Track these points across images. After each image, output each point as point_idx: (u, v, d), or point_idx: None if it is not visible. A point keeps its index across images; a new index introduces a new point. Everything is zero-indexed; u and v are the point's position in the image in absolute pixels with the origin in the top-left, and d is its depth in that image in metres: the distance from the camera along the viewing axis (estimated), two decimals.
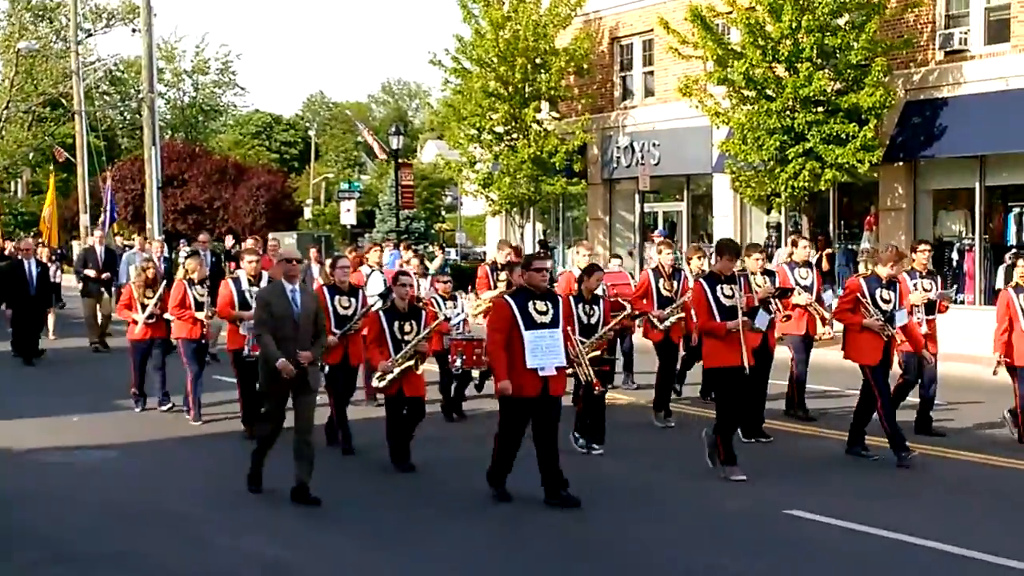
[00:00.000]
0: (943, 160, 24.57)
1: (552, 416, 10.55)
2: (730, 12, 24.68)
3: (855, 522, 10.00)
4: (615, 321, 12.54)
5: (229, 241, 30.51)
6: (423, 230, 52.77)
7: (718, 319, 11.62)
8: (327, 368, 13.10)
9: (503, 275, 16.02)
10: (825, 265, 23.86)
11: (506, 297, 10.79)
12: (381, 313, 12.27)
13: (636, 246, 30.53)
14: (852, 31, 23.42)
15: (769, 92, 23.91)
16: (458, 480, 11.76)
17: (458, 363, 14.45)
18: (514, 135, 31.64)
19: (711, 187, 29.58)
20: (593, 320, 12.42)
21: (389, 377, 11.91)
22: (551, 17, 31.06)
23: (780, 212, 27.05)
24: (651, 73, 31.27)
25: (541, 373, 10.31)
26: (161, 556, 9.34)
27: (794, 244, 16.07)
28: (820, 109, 23.65)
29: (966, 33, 24.11)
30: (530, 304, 10.42)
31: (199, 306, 15.08)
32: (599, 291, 12.72)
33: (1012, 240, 23.61)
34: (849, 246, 26.73)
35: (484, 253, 34.64)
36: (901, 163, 24.92)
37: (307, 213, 61.36)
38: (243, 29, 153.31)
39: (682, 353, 16.09)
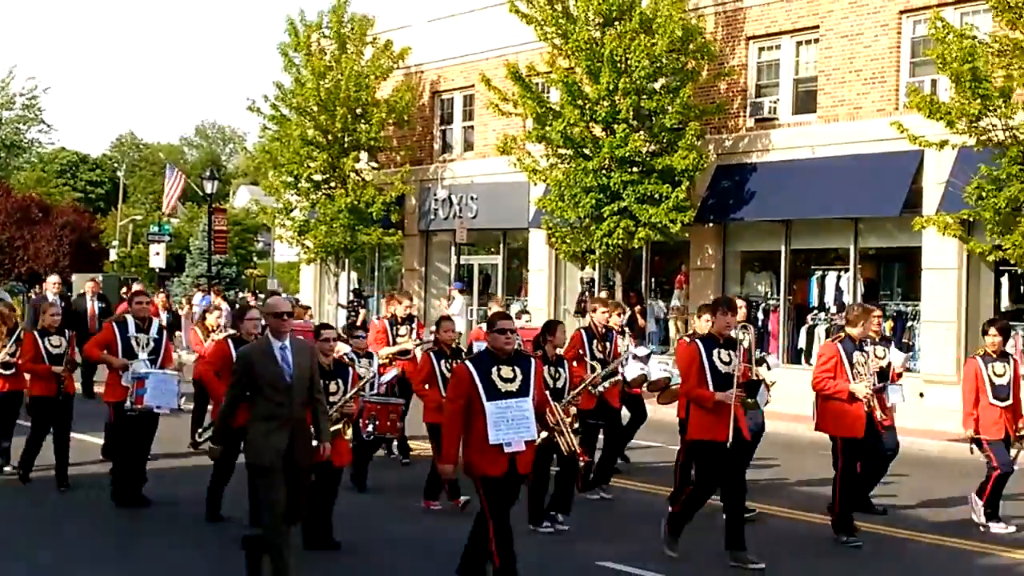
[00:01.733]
0: (751, 223, 25.08)
1: (513, 498, 9.29)
2: (549, 72, 24.99)
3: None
4: (584, 383, 11.86)
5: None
6: (234, 275, 51.98)
7: (711, 387, 10.57)
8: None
9: (403, 329, 15.67)
10: (641, 322, 24.21)
11: (466, 362, 9.46)
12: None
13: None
14: (667, 95, 23.85)
15: (586, 151, 24.15)
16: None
17: (370, 428, 13.05)
18: (332, 184, 31.45)
19: (527, 241, 29.71)
20: (559, 384, 11.47)
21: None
22: (372, 69, 31.11)
23: (594, 268, 27.25)
24: (471, 127, 31.42)
25: (507, 449, 9.00)
26: None
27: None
28: (635, 169, 23.96)
29: (775, 102, 24.89)
30: (494, 370, 9.08)
31: (54, 359, 13.43)
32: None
33: (814, 302, 24.29)
34: (659, 302, 27.16)
35: (298, 300, 34.15)
36: (711, 224, 25.37)
37: (113, 255, 59.69)
38: (52, 63, 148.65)
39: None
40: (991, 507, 12.20)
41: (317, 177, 31.60)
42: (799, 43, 24.62)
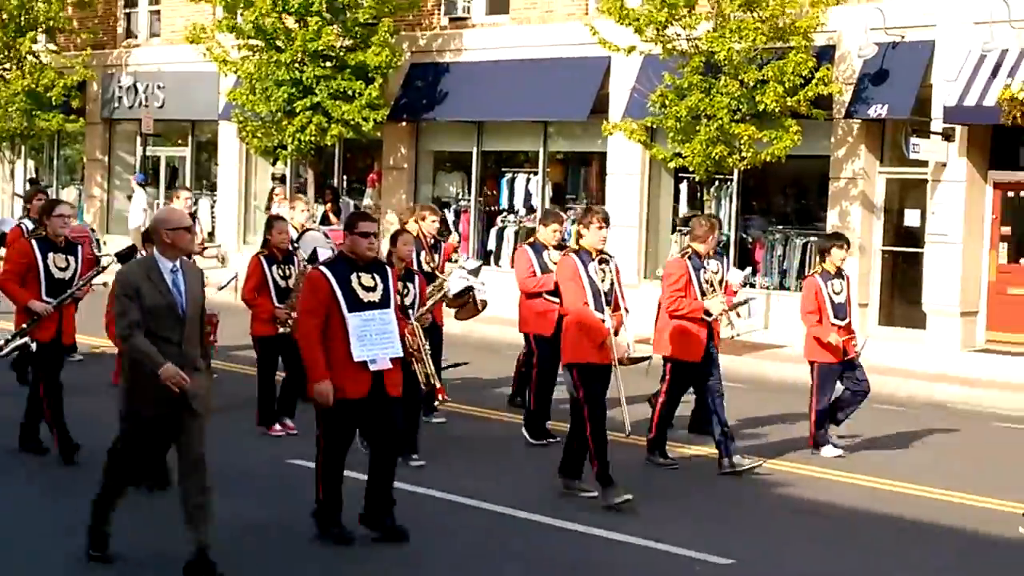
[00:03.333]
0: (444, 124, 25.11)
1: (389, 422, 8.31)
2: None
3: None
4: (433, 300, 11.08)
5: None
6: None
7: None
8: None
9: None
10: (335, 220, 23.92)
11: (321, 268, 8.37)
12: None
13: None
14: None
15: (279, 43, 23.54)
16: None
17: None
18: (7, 66, 29.68)
19: (216, 134, 28.92)
20: (408, 300, 10.25)
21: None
22: None
23: (286, 164, 26.88)
24: (157, 13, 30.18)
25: (372, 367, 8.10)
26: None
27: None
28: (328, 64, 23.59)
29: (469, 2, 24.78)
30: (353, 277, 8.14)
31: None
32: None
33: (504, 204, 24.59)
34: (353, 202, 26.93)
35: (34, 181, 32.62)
36: (405, 123, 25.27)
37: None
38: None
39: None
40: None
41: None
42: None
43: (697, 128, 19.35)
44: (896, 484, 10.97)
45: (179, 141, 30.70)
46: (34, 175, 32.87)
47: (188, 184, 29.16)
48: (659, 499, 10.04)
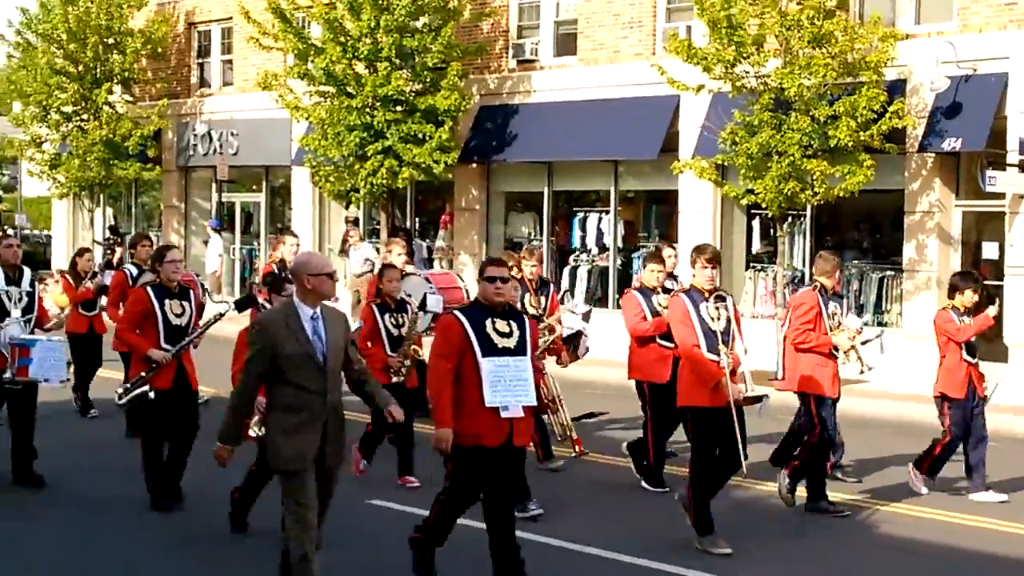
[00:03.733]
0: (514, 164, 25.20)
1: (514, 474, 8.19)
2: (310, 7, 24.46)
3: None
4: (546, 343, 10.95)
5: None
6: None
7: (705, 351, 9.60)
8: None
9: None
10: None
11: (455, 313, 8.22)
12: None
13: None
14: (429, 34, 23.65)
15: (349, 89, 23.81)
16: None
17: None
18: (84, 116, 30.36)
19: (290, 179, 29.28)
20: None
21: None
22: None
23: (359, 207, 27.13)
24: (230, 62, 30.65)
25: (504, 414, 7.87)
26: None
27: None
28: (399, 108, 23.75)
29: (536, 44, 24.95)
30: (488, 323, 7.96)
31: None
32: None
33: (576, 243, 24.61)
34: (426, 243, 27.04)
35: (47, 236, 33.08)
36: (475, 165, 25.41)
37: None
38: None
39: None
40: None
41: (68, 109, 30.49)
42: None
43: (768, 164, 19.26)
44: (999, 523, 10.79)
45: (253, 187, 31.09)
46: (113, 222, 33.40)
47: (263, 227, 29.58)
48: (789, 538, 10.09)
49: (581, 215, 24.82)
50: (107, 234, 31.37)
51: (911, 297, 19.97)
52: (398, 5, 23.19)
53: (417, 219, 27.36)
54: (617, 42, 23.53)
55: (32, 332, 10.95)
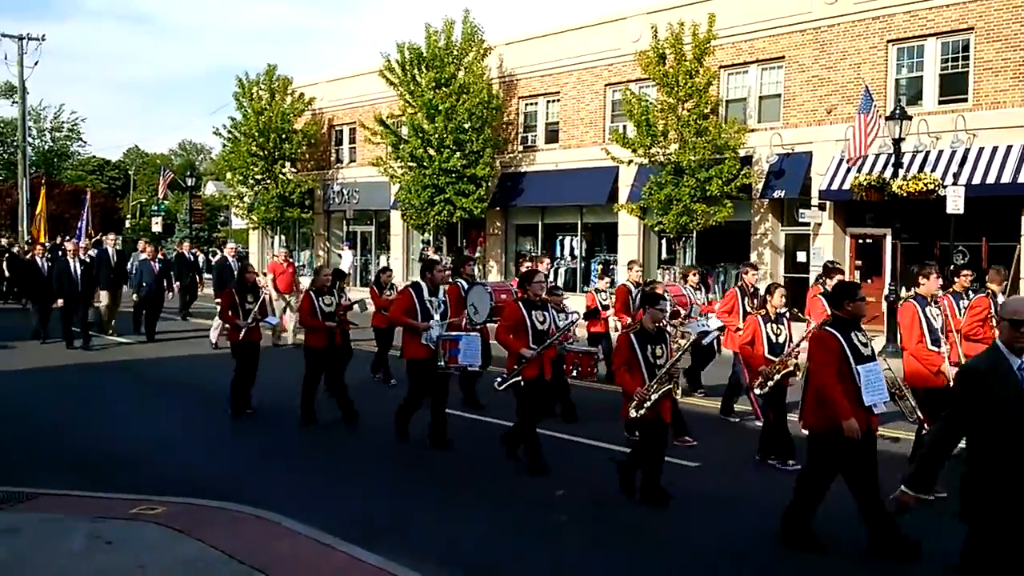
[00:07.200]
0: (522, 208, 25.13)
1: (874, 454, 6.06)
2: (402, 116, 24.84)
3: None
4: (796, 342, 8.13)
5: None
6: (206, 237, 49.96)
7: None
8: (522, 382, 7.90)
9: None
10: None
11: (828, 328, 6.06)
12: (633, 337, 7.11)
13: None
14: (474, 132, 23.76)
15: (424, 164, 24.02)
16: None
17: (574, 373, 9.36)
18: (267, 180, 30.51)
19: (389, 218, 29.32)
20: (780, 339, 8.16)
21: (648, 404, 6.90)
22: (291, 110, 30.21)
23: (431, 234, 27.07)
24: (354, 147, 30.71)
25: (876, 411, 6.01)
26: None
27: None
28: (454, 175, 23.90)
29: (535, 137, 25.07)
30: (853, 335, 6.03)
31: (327, 316, 9.80)
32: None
33: (558, 254, 24.39)
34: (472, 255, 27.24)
35: (247, 253, 33.18)
36: (498, 209, 25.47)
37: (127, 223, 56.76)
38: (86, 101, 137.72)
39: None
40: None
41: (258, 176, 30.59)
42: (548, 101, 24.85)
43: (670, 207, 19.40)
44: None
45: (367, 223, 31.10)
46: (285, 245, 33.54)
47: (373, 249, 29.72)
48: None
49: (560, 237, 24.83)
50: (282, 251, 31.45)
51: (757, 283, 20.05)
52: (458, 115, 23.42)
53: (463, 240, 27.59)
54: (582, 135, 23.67)
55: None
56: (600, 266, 23.18)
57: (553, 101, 24.67)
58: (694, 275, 11.52)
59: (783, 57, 19.77)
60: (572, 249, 24.32)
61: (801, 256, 19.82)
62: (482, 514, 6.88)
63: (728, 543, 6.21)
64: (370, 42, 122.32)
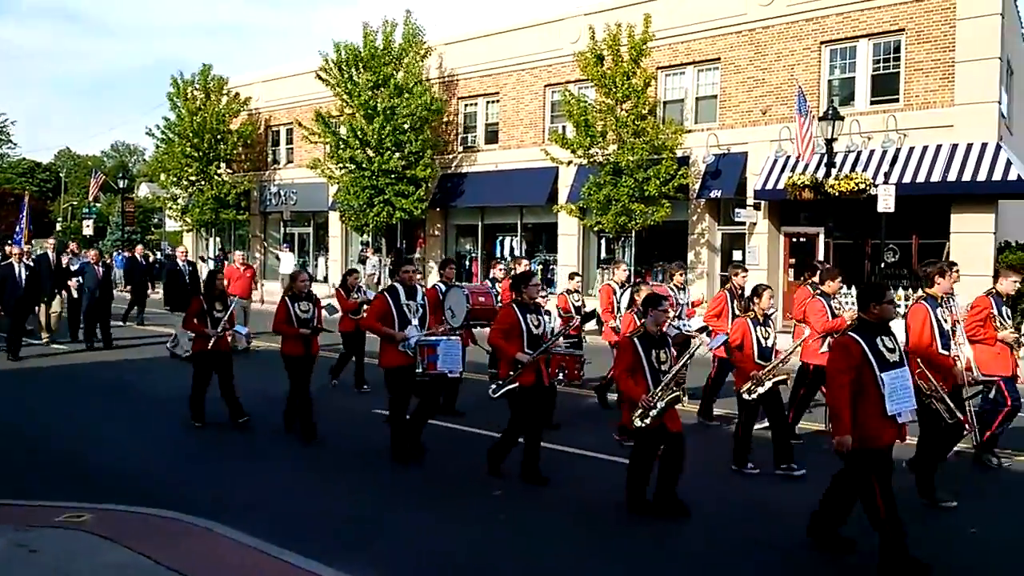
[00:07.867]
0: (462, 208, 24.96)
1: (890, 468, 5.65)
2: (340, 116, 24.46)
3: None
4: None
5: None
6: (139, 239, 48.70)
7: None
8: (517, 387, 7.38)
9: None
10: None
11: (850, 333, 5.64)
12: (636, 341, 6.66)
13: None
14: (412, 132, 23.50)
15: (363, 165, 23.69)
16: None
17: (560, 376, 8.73)
18: (202, 182, 29.83)
19: (327, 219, 28.96)
20: (769, 342, 7.89)
21: (654, 413, 6.45)
22: (227, 110, 29.59)
23: (370, 236, 26.78)
24: (292, 148, 30.20)
25: (900, 419, 5.55)
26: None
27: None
28: (393, 176, 23.68)
29: (475, 138, 24.87)
30: (879, 340, 5.56)
31: (302, 323, 9.05)
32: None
33: (497, 254, 24.23)
34: (410, 256, 26.95)
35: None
36: (438, 209, 25.27)
37: (58, 227, 54.93)
38: (16, 103, 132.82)
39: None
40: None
41: (192, 177, 29.89)
42: (488, 102, 24.67)
43: (609, 206, 19.42)
44: None
45: (305, 223, 30.66)
46: (221, 247, 32.96)
47: (310, 250, 29.13)
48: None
49: (500, 237, 24.68)
50: (216, 253, 31.06)
51: (691, 284, 20.18)
52: (398, 116, 23.08)
53: (403, 241, 27.25)
54: (522, 135, 23.56)
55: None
56: (540, 266, 23.04)
57: (493, 102, 24.50)
58: (680, 274, 10.59)
59: (719, 58, 19.89)
60: (512, 250, 24.16)
61: (737, 255, 19.94)
62: (449, 528, 6.48)
63: (728, 551, 6.05)
64: (319, 40, 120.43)
